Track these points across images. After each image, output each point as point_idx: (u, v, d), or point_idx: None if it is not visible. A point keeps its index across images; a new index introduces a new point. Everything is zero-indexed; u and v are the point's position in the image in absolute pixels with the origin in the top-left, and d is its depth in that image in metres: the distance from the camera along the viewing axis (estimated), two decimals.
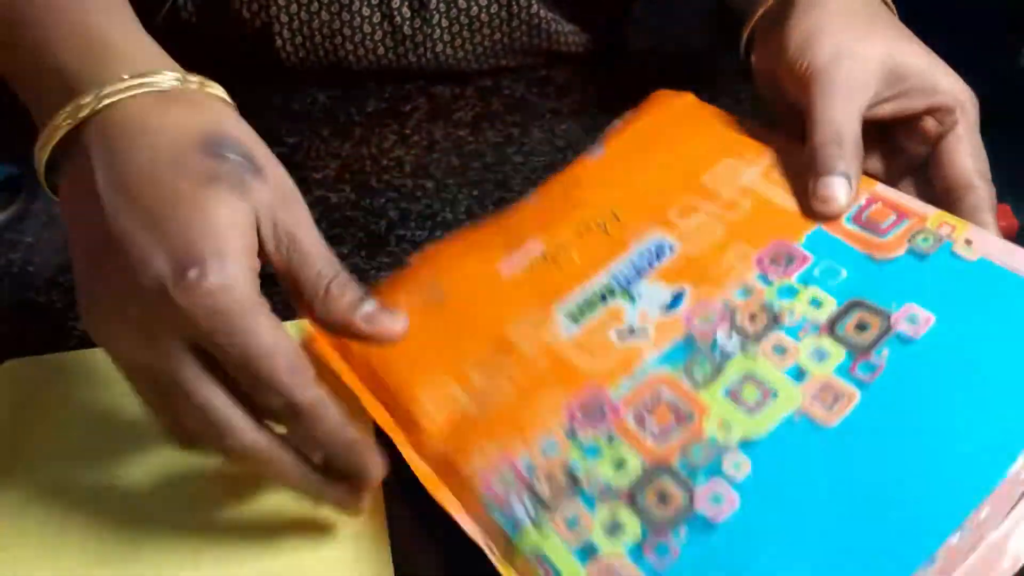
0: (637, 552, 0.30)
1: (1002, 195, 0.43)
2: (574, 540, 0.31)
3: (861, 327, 0.34)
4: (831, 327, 0.35)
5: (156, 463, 0.38)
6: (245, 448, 0.30)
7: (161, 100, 0.32)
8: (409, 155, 0.57)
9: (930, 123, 0.42)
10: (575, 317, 0.38)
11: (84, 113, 0.31)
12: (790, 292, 0.36)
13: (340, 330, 0.35)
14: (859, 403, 0.32)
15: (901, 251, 0.36)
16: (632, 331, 0.37)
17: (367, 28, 0.60)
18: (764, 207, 0.40)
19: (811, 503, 0.30)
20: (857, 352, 0.33)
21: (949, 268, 0.36)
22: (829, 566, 0.29)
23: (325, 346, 0.39)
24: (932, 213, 0.38)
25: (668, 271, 0.38)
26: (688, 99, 0.46)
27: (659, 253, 0.39)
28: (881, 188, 0.39)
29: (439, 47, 0.62)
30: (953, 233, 0.37)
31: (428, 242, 0.48)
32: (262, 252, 0.32)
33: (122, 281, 0.29)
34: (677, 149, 0.43)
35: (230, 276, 0.29)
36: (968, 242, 0.36)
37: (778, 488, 0.31)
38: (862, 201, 0.39)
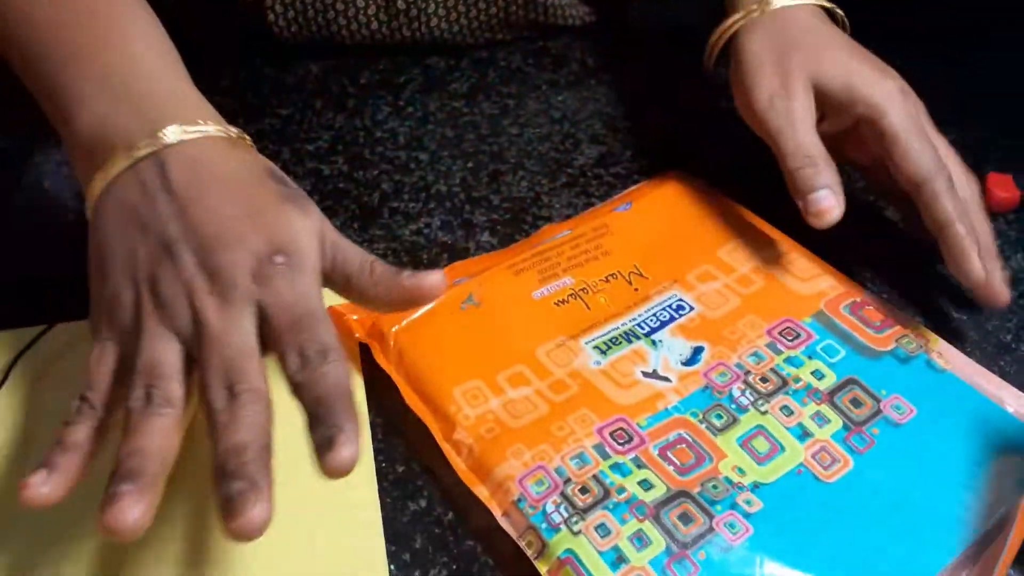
0: (660, 565, 0.34)
1: (1006, 166, 0.47)
2: (604, 546, 0.34)
3: (856, 403, 0.40)
4: (831, 397, 0.40)
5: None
6: (258, 390, 0.32)
7: (224, 141, 0.37)
8: (403, 127, 0.57)
9: (864, 133, 0.45)
10: (602, 350, 0.42)
11: (149, 151, 0.35)
12: (797, 362, 0.41)
13: (388, 296, 0.36)
14: (852, 468, 0.37)
15: (889, 347, 0.42)
16: (656, 374, 0.41)
17: (360, 2, 0.59)
18: (774, 286, 0.45)
19: (811, 542, 0.35)
20: (852, 424, 0.39)
21: (926, 373, 0.41)
22: None
23: (374, 347, 0.42)
24: (911, 325, 0.44)
25: (687, 328, 0.43)
26: (701, 184, 0.52)
27: (679, 309, 0.44)
28: (868, 295, 0.46)
29: (434, 21, 0.61)
30: (928, 345, 0.43)
31: (421, 215, 0.51)
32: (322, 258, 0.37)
33: (206, 258, 0.33)
34: (696, 221, 0.49)
35: (307, 269, 0.35)
36: (940, 354, 0.42)
37: (784, 523, 0.35)
38: (857, 299, 0.44)
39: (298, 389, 0.32)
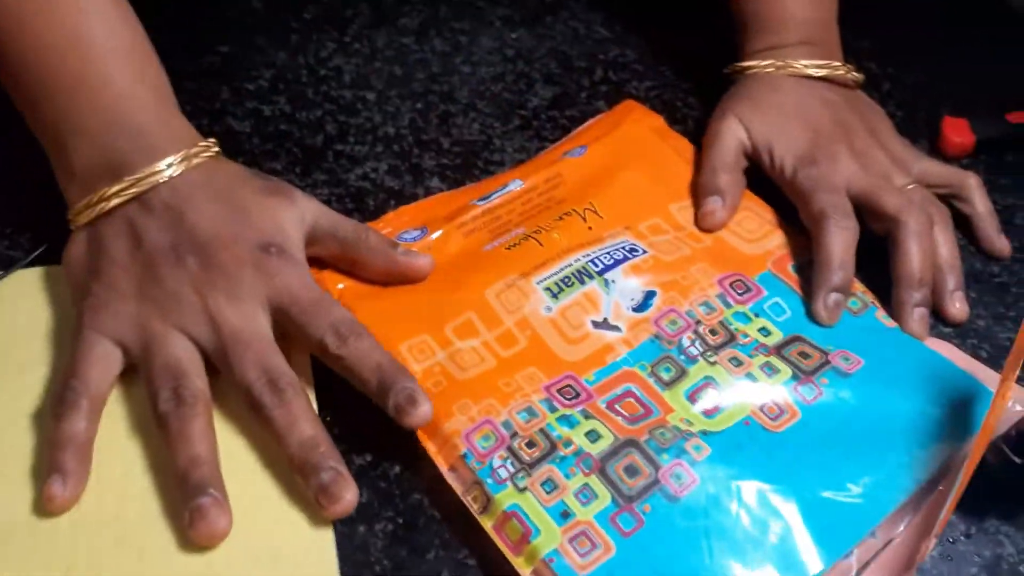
0: (605, 520, 0.34)
1: (960, 111, 0.47)
2: (550, 502, 0.34)
3: (804, 355, 0.40)
4: (778, 351, 0.40)
5: None
6: (294, 383, 0.36)
7: (210, 159, 0.40)
8: (349, 64, 0.55)
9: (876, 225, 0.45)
10: (554, 293, 0.41)
11: (147, 185, 0.38)
12: (744, 318, 0.41)
13: (382, 266, 0.41)
14: (800, 419, 0.37)
15: None
16: (607, 323, 0.40)
17: None
18: (723, 246, 0.45)
19: (756, 491, 0.35)
20: (801, 374, 0.39)
21: (872, 329, 0.41)
22: (766, 547, 0.33)
23: None
24: (858, 284, 0.43)
25: (640, 269, 0.42)
26: (659, 123, 0.51)
27: (632, 251, 0.43)
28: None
29: None
30: (875, 302, 0.43)
31: (368, 159, 0.49)
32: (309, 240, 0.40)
33: (209, 260, 0.37)
34: (649, 173, 0.48)
35: (298, 255, 0.39)
36: (886, 313, 0.42)
37: (731, 472, 0.35)
38: (806, 258, 0.44)
39: (343, 363, 0.36)
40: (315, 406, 0.37)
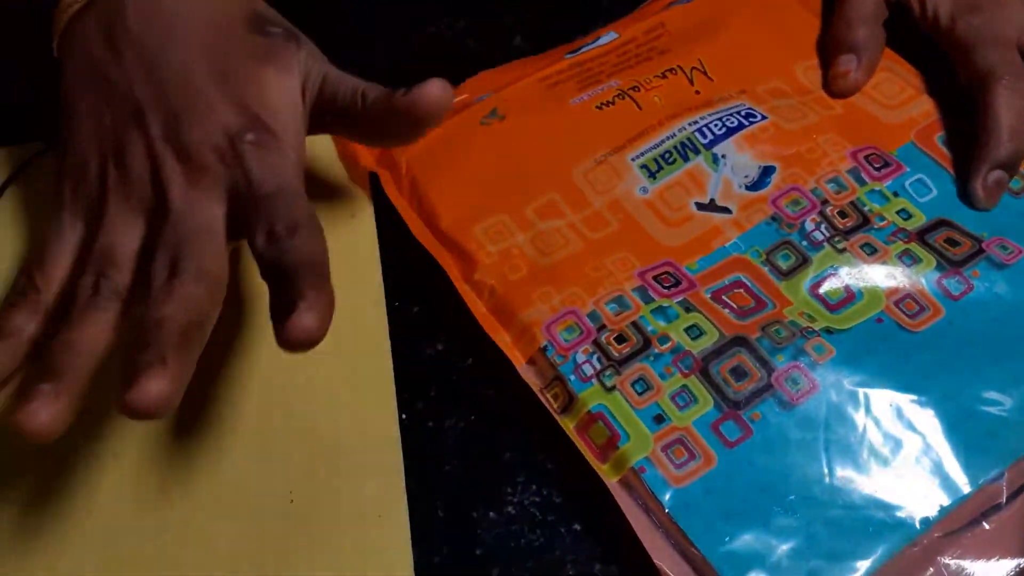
0: (706, 427, 0.29)
1: None
2: (642, 404, 0.30)
3: (952, 243, 0.33)
4: (920, 236, 0.34)
5: None
6: (206, 272, 0.28)
7: None
8: None
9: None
10: (651, 171, 0.36)
11: None
12: (881, 197, 0.35)
13: (386, 124, 0.32)
14: (944, 317, 0.31)
15: None
16: (713, 204, 0.35)
17: None
18: (858, 113, 0.38)
19: (889, 401, 0.30)
20: (948, 265, 0.32)
21: None
22: (898, 466, 0.29)
23: (384, 176, 0.37)
24: None
25: (758, 139, 0.36)
26: None
27: (749, 117, 0.37)
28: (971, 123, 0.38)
29: None
30: None
31: (438, 13, 0.43)
32: (309, 107, 0.33)
33: (176, 133, 0.30)
34: (769, 25, 0.41)
35: (281, 140, 0.31)
36: None
37: (857, 379, 0.30)
38: (957, 128, 0.37)
39: (263, 267, 0.28)
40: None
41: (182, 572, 0.29)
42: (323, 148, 0.38)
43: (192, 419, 0.32)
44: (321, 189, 0.37)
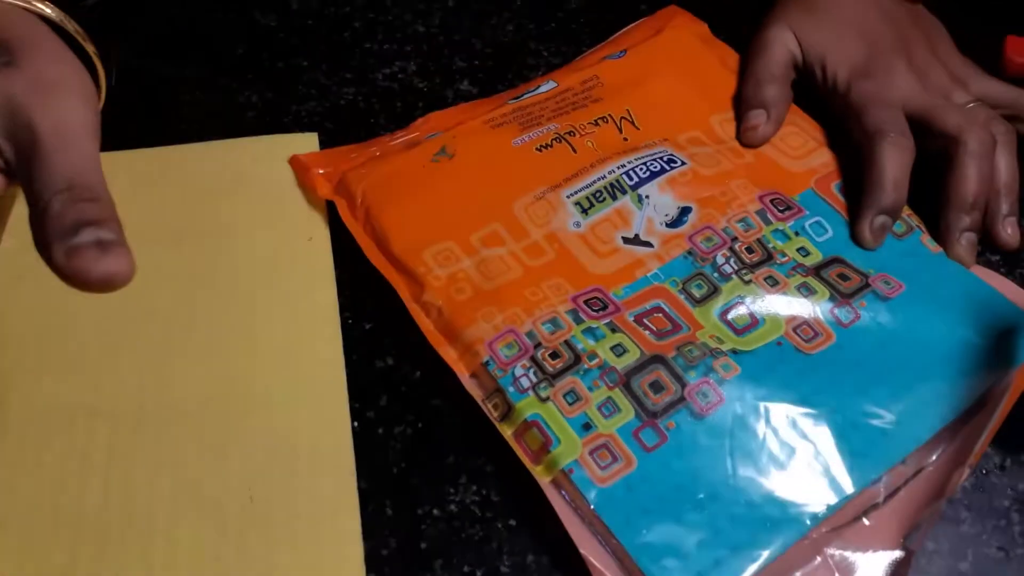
0: (628, 434, 0.33)
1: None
2: (572, 413, 0.33)
3: (843, 277, 0.38)
4: (817, 272, 0.38)
5: None
6: None
7: None
8: None
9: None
10: (584, 208, 0.39)
11: None
12: (783, 236, 0.39)
13: (53, 261, 0.24)
14: (835, 342, 0.36)
15: None
16: (638, 239, 0.39)
17: None
18: (766, 162, 0.42)
19: (785, 413, 0.34)
20: (839, 296, 0.37)
21: (917, 253, 0.39)
22: (792, 469, 0.33)
23: (341, 204, 0.40)
24: (904, 207, 0.41)
25: (678, 182, 0.40)
26: (703, 30, 0.48)
27: (670, 162, 0.41)
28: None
29: None
30: (921, 226, 0.41)
31: (397, 58, 0.46)
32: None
33: None
34: (690, 81, 0.45)
35: None
36: (932, 237, 0.40)
37: (759, 394, 0.34)
38: (850, 178, 0.41)
39: None
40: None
41: (147, 566, 0.31)
42: (282, 174, 0.41)
43: (157, 423, 0.34)
44: (281, 213, 0.40)
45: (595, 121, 0.43)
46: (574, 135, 0.42)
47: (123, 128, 0.43)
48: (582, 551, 0.30)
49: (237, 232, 0.39)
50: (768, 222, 0.40)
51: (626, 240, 0.39)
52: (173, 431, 0.34)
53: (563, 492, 0.32)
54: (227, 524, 0.31)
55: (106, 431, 0.33)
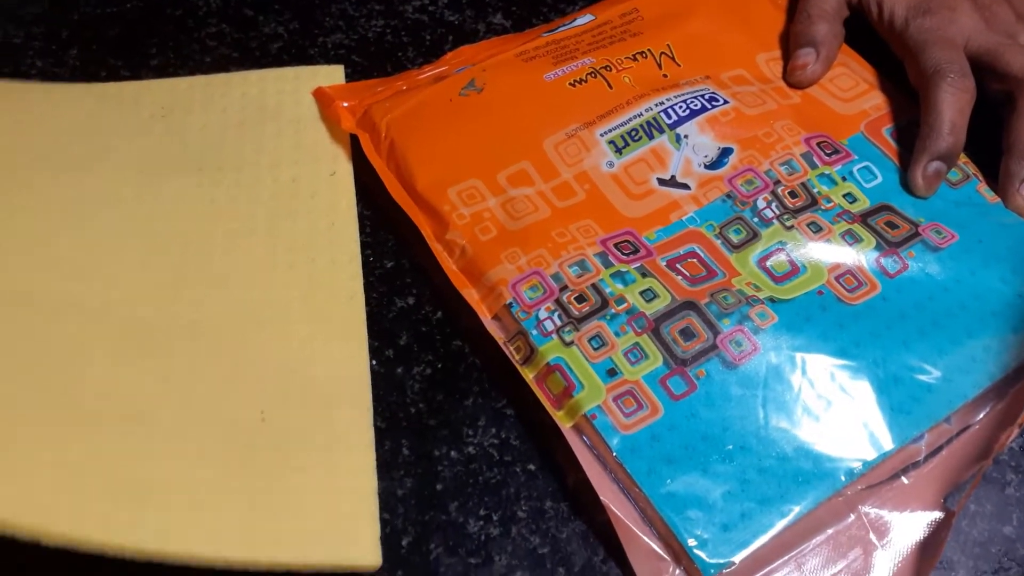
0: (654, 381, 0.31)
1: None
2: (597, 358, 0.32)
3: (891, 225, 0.36)
4: (863, 219, 0.36)
5: None
6: None
7: None
8: None
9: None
10: (618, 147, 0.38)
11: None
12: (830, 181, 0.37)
13: None
14: (879, 293, 0.34)
15: None
16: (674, 181, 0.37)
17: None
18: (814, 103, 0.40)
19: (823, 365, 0.32)
20: (887, 245, 0.35)
21: (971, 203, 0.37)
22: (828, 423, 0.31)
23: (364, 138, 0.38)
24: (961, 153, 0.38)
25: (719, 122, 0.38)
26: None
27: (712, 101, 0.39)
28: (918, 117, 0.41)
29: None
30: (978, 174, 0.38)
31: None
32: None
33: None
34: (736, 17, 0.43)
35: None
36: (988, 186, 0.38)
37: (796, 344, 0.32)
38: (904, 121, 0.39)
39: None
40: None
41: (149, 466, 0.29)
42: (306, 107, 0.40)
43: (170, 338, 0.33)
44: (304, 146, 0.39)
45: (633, 56, 0.40)
46: (610, 70, 0.40)
47: (146, 58, 0.43)
48: (603, 499, 0.29)
49: (260, 164, 0.38)
50: (814, 166, 0.37)
51: (661, 181, 0.37)
52: (187, 346, 0.33)
53: (584, 438, 0.31)
54: (237, 438, 0.30)
55: (116, 334, 0.33)
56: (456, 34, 0.43)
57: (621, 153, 0.38)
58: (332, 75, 0.41)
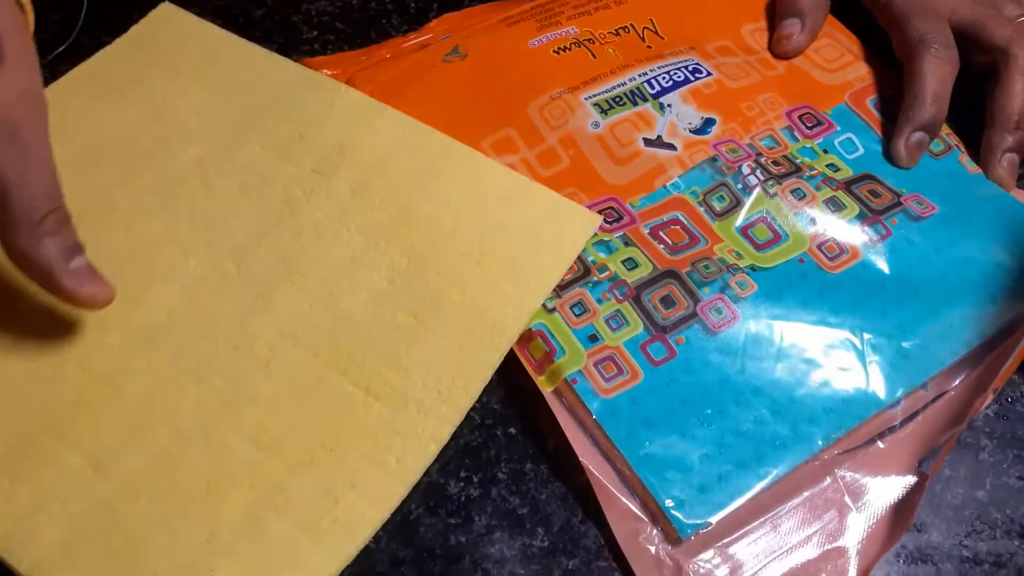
0: (635, 347, 0.32)
1: None
2: (578, 324, 0.32)
3: (874, 194, 0.36)
4: (847, 186, 0.36)
5: None
6: None
7: None
8: None
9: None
10: (603, 109, 0.38)
11: None
12: (811, 153, 0.37)
13: (39, 274, 0.29)
14: (860, 261, 0.34)
15: None
16: (660, 141, 0.37)
17: None
18: (798, 74, 0.40)
19: (802, 332, 0.32)
20: (870, 212, 0.35)
21: (953, 173, 0.37)
22: (805, 389, 0.31)
23: None
24: (944, 125, 0.38)
25: (701, 95, 0.38)
26: None
27: (695, 72, 0.39)
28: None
29: None
30: (960, 145, 0.38)
31: None
32: None
33: None
34: None
35: None
36: (969, 157, 0.38)
37: (775, 312, 0.33)
38: (888, 93, 0.39)
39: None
40: None
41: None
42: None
43: None
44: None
45: (616, 31, 0.40)
46: (593, 43, 0.40)
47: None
48: (582, 460, 0.30)
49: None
50: (795, 139, 0.37)
51: (648, 142, 0.37)
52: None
53: (565, 401, 0.31)
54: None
55: None
56: (441, 1, 0.43)
57: (606, 114, 0.37)
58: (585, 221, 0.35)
